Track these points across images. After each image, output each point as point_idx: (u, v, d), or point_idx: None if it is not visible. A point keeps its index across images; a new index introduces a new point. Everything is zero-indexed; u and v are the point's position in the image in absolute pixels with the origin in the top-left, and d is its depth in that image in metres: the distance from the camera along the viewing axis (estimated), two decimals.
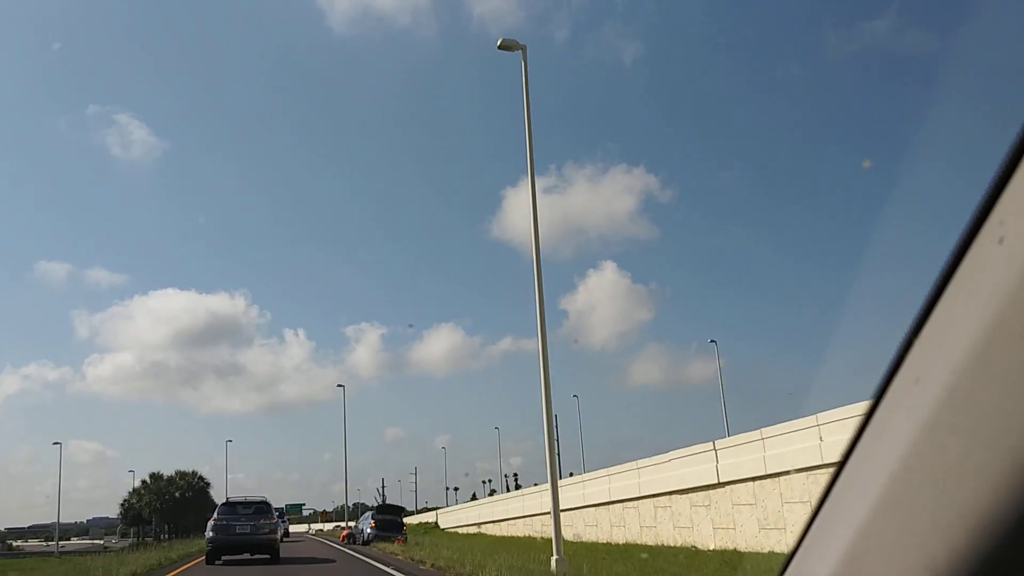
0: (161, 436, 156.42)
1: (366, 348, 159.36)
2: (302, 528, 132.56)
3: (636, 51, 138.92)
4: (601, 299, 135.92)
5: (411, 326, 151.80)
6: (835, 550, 0.87)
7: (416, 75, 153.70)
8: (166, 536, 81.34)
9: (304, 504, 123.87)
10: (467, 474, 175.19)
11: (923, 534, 0.73)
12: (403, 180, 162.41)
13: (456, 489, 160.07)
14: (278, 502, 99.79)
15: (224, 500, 23.07)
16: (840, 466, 0.89)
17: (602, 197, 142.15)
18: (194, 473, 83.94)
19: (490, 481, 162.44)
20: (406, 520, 66.96)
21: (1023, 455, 0.62)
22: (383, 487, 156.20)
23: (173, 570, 20.46)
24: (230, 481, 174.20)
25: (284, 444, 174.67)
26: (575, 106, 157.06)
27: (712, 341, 55.33)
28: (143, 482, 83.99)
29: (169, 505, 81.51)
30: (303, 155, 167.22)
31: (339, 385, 46.80)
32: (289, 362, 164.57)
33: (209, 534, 20.59)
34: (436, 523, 52.09)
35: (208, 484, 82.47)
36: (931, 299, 0.73)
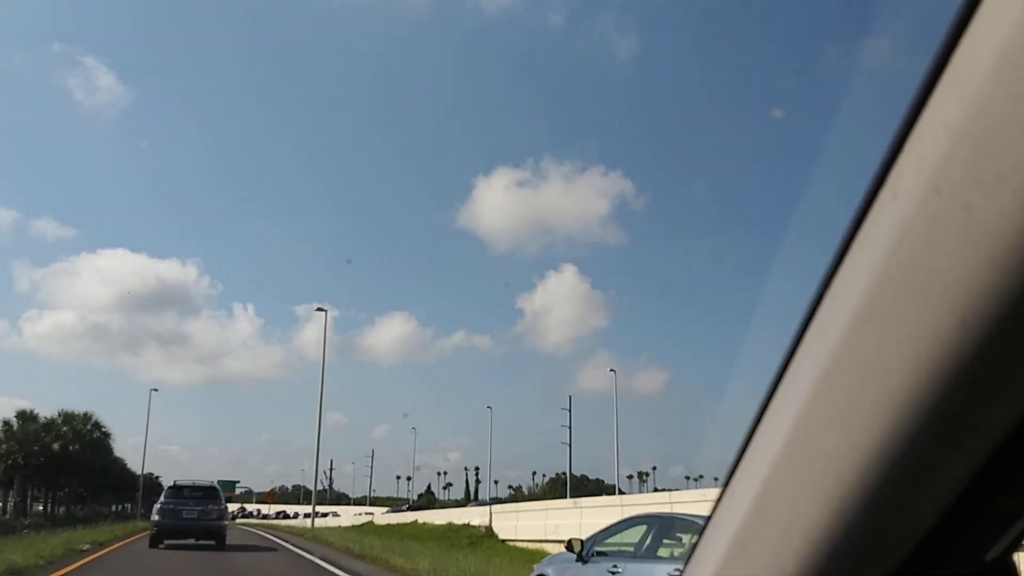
0: (96, 400, 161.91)
1: (316, 329, 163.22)
2: (232, 507, 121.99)
3: (631, 47, 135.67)
4: (558, 301, 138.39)
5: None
6: (715, 558, 0.92)
7: (396, 49, 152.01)
8: (43, 507, 62.16)
9: (238, 482, 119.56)
10: (418, 468, 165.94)
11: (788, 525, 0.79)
12: (371, 161, 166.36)
13: (409, 479, 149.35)
14: (210, 478, 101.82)
15: (172, 483, 22.69)
16: (732, 468, 0.93)
17: (575, 197, 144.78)
18: (86, 417, 58.29)
19: (446, 474, 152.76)
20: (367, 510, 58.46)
21: (908, 404, 0.65)
22: (331, 470, 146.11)
23: None
24: (161, 454, 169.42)
25: (222, 420, 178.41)
26: (562, 96, 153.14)
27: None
28: (3, 423, 54.59)
29: (42, 461, 53.40)
30: (272, 127, 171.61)
31: (319, 309, 42.70)
32: (236, 337, 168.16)
33: (155, 517, 20.41)
34: (488, 528, 31.54)
35: (107, 435, 60.44)
36: (834, 263, 0.75)
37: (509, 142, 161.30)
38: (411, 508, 65.54)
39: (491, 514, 31.32)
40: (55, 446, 52.13)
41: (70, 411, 55.31)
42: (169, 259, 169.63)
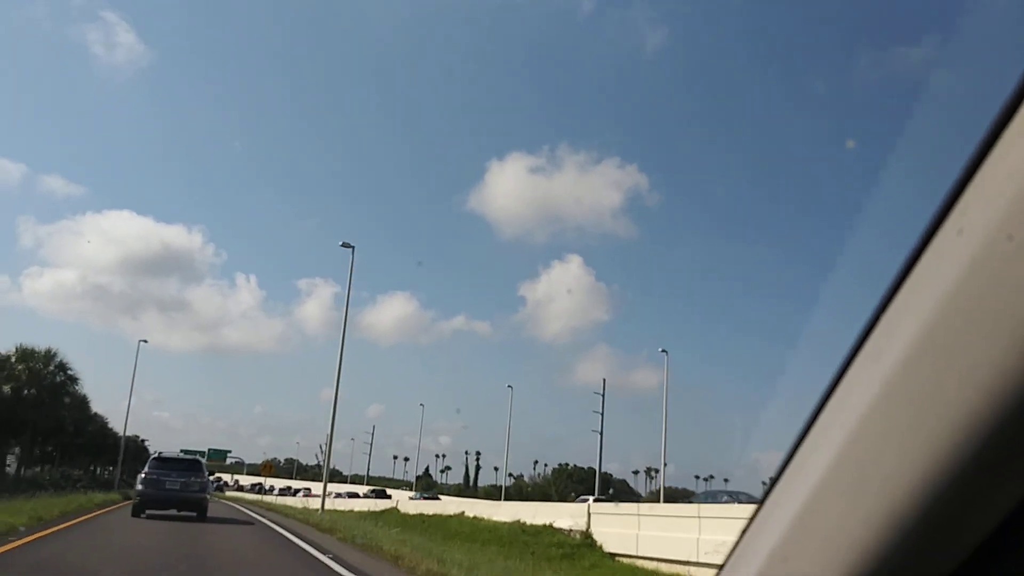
0: (92, 362, 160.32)
1: (317, 304, 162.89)
2: (224, 478, 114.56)
3: (660, 40, 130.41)
4: (561, 291, 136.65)
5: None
6: (753, 568, 0.94)
7: (416, 27, 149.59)
8: None
9: (230, 452, 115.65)
10: (407, 459, 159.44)
11: (848, 530, 0.80)
12: (384, 140, 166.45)
13: (407, 460, 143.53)
14: (201, 447, 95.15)
15: (156, 454, 23.60)
16: (773, 481, 0.94)
17: (589, 188, 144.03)
18: (49, 355, 43.58)
19: (444, 456, 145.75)
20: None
21: (966, 443, 0.68)
22: (330, 445, 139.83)
23: None
24: (154, 419, 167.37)
25: (217, 390, 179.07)
26: (585, 85, 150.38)
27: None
28: None
29: None
30: (286, 102, 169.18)
31: (345, 245, 33.47)
32: (237, 307, 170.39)
33: (138, 487, 21.14)
34: (585, 534, 20.83)
35: (73, 379, 45.72)
36: (891, 290, 0.78)
37: (526, 127, 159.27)
38: (430, 495, 57.18)
39: (589, 515, 22.29)
40: (7, 388, 39.95)
41: (29, 347, 43.34)
42: (175, 224, 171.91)
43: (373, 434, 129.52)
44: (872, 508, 0.76)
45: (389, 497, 65.22)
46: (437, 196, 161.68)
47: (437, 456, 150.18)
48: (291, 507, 38.32)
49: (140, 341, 58.27)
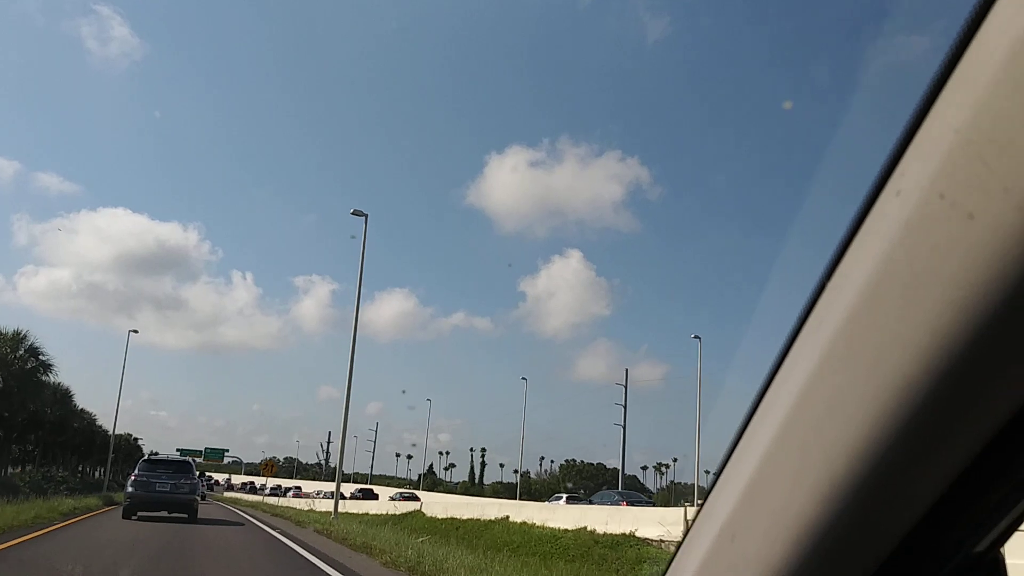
0: (88, 361, 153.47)
1: (314, 301, 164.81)
2: (218, 477, 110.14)
3: (661, 30, 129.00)
4: (562, 286, 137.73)
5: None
6: (704, 548, 0.94)
7: (413, 19, 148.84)
8: None
9: (227, 451, 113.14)
10: (414, 444, 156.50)
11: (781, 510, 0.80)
12: (383, 134, 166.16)
13: (410, 457, 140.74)
14: (198, 446, 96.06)
15: (146, 456, 25.56)
16: (724, 460, 0.94)
17: (590, 181, 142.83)
18: (18, 338, 37.39)
19: (448, 454, 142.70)
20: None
21: (904, 400, 0.67)
22: (328, 443, 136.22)
23: None
24: (151, 419, 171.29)
25: (214, 388, 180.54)
26: (586, 76, 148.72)
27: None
28: None
29: None
30: (282, 96, 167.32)
31: (356, 213, 28.44)
32: (233, 305, 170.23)
33: (128, 489, 21.31)
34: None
35: (47, 366, 39.18)
36: (835, 257, 0.77)
37: (525, 120, 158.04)
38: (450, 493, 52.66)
39: (690, 521, 17.39)
40: None
41: None
42: (170, 222, 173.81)
43: (376, 431, 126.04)
44: (815, 480, 0.75)
45: (376, 497, 63.56)
46: (436, 190, 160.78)
47: (441, 453, 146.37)
48: (296, 510, 33.47)
49: (130, 332, 52.64)
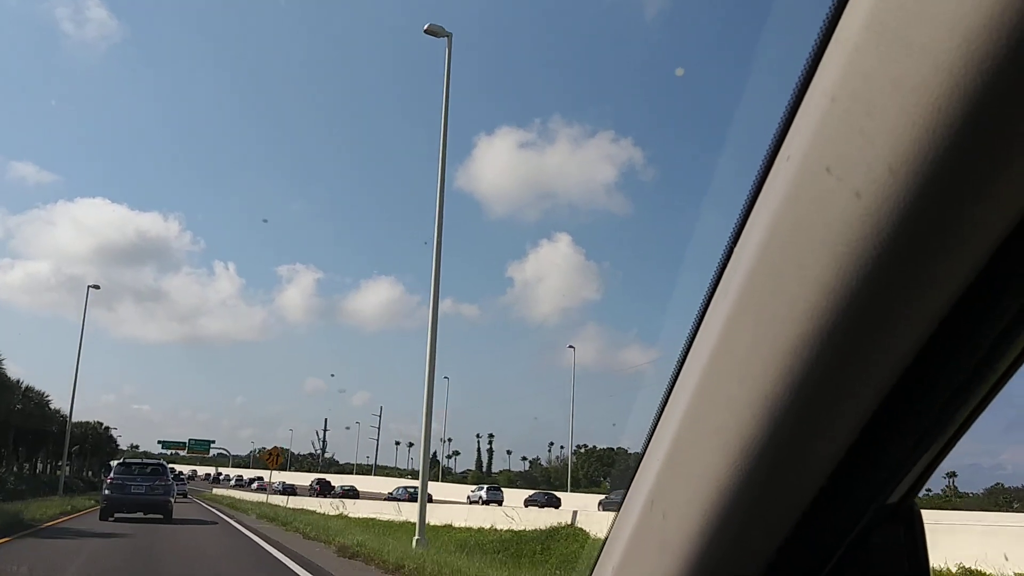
0: (68, 356, 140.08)
1: (298, 291, 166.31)
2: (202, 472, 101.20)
3: (659, 5, 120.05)
4: (551, 271, 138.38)
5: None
6: (632, 517, 0.96)
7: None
8: None
9: (213, 442, 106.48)
10: (411, 444, 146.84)
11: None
12: (370, 114, 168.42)
13: (411, 445, 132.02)
14: (181, 437, 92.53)
15: (121, 460, 26.54)
16: (646, 442, 0.97)
17: (582, 162, 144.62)
18: None
19: (451, 440, 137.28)
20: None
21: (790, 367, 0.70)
22: (325, 431, 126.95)
23: None
24: (134, 413, 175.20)
25: (197, 381, 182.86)
26: (580, 54, 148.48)
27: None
28: None
29: None
30: (265, 75, 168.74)
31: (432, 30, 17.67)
32: (215, 296, 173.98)
33: (105, 492, 22.46)
34: None
35: None
36: (738, 225, 0.79)
37: (516, 100, 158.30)
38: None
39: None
40: None
41: None
42: (151, 212, 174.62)
43: (381, 417, 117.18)
44: (727, 441, 0.77)
45: (332, 488, 60.88)
46: (424, 174, 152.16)
47: (443, 440, 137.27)
48: (321, 517, 22.16)
49: (90, 287, 42.03)
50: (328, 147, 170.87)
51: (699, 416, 0.82)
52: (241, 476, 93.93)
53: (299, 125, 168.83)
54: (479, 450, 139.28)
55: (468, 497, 56.74)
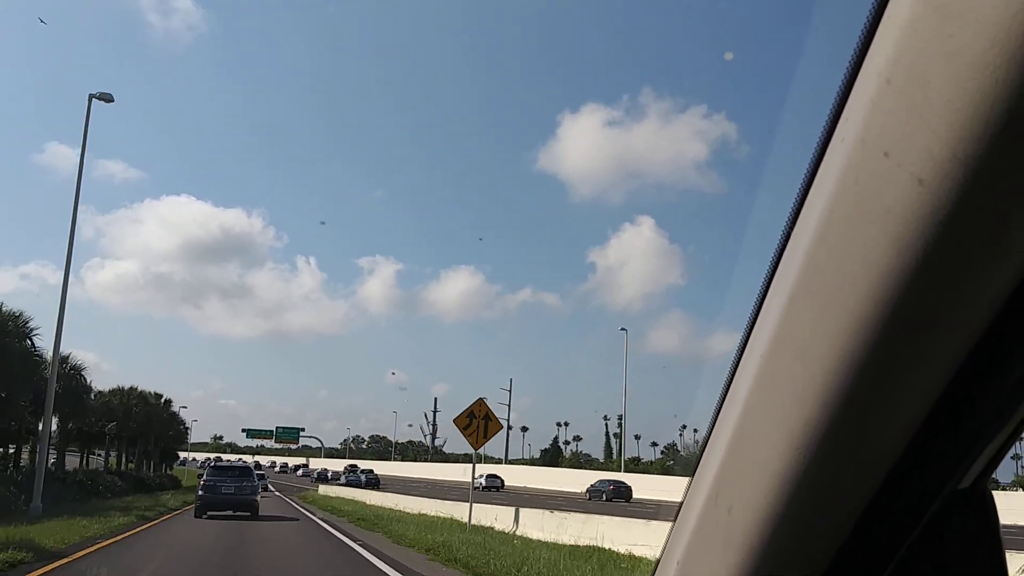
0: (159, 353, 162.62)
1: (379, 283, 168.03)
2: (297, 462, 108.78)
3: None
4: (633, 256, 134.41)
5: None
6: (698, 504, 0.95)
7: None
8: None
9: (303, 429, 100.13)
10: (525, 429, 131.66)
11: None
12: (451, 96, 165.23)
13: (524, 430, 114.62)
14: (268, 425, 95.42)
15: (212, 463, 28.57)
16: (711, 426, 0.96)
17: (672, 139, 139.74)
18: None
19: (528, 429, 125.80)
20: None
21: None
22: (435, 412, 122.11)
23: None
24: (221, 408, 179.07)
25: (282, 375, 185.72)
26: (671, 25, 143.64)
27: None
28: None
29: None
30: (352, 54, 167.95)
31: None
32: (299, 290, 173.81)
33: (199, 492, 24.61)
34: None
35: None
36: (796, 206, 0.78)
37: (602, 76, 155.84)
38: None
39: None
40: None
41: None
42: (235, 208, 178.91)
43: (511, 388, 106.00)
44: (791, 427, 0.76)
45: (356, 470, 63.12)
46: (506, 155, 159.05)
47: (523, 429, 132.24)
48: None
49: (91, 96, 25.25)
50: (407, 136, 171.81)
51: (762, 404, 0.81)
52: (326, 470, 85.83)
53: (378, 114, 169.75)
54: (607, 434, 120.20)
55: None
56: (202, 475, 26.08)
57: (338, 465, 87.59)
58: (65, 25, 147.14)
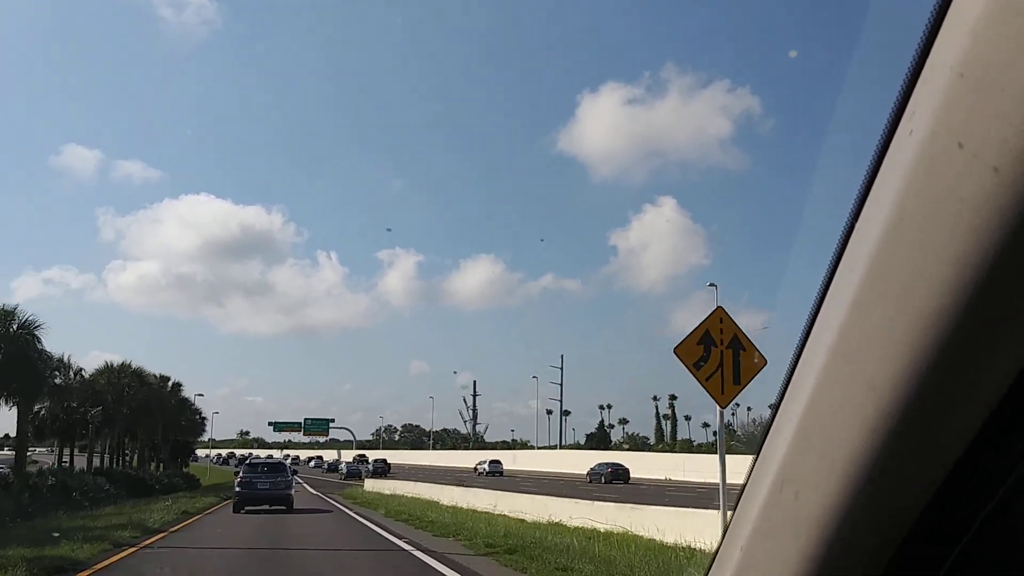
0: (184, 352, 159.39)
1: (399, 275, 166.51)
2: (335, 457, 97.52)
3: None
4: (655, 238, 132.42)
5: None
6: (763, 487, 0.95)
7: None
8: None
9: (332, 420, 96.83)
10: (567, 412, 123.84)
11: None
12: (468, 83, 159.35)
13: (566, 414, 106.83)
14: (297, 417, 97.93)
15: (247, 460, 31.19)
16: (774, 412, 0.96)
17: (694, 115, 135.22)
18: None
19: (610, 407, 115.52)
20: None
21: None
22: (474, 396, 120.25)
23: None
24: (247, 405, 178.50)
25: (307, 371, 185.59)
26: None
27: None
28: None
29: None
30: (368, 46, 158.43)
31: None
32: (320, 285, 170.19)
33: (236, 489, 25.46)
34: None
35: None
36: (860, 196, 0.79)
37: (623, 52, 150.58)
38: None
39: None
40: None
41: None
42: (254, 205, 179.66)
43: (562, 366, 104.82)
44: (862, 410, 0.77)
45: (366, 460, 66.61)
46: (525, 140, 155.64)
47: (563, 413, 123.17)
48: None
49: None
50: (424, 125, 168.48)
51: (832, 391, 0.81)
52: (364, 456, 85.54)
53: (396, 103, 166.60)
54: (657, 416, 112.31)
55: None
56: (238, 472, 27.71)
57: (371, 456, 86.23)
58: (76, 23, 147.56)
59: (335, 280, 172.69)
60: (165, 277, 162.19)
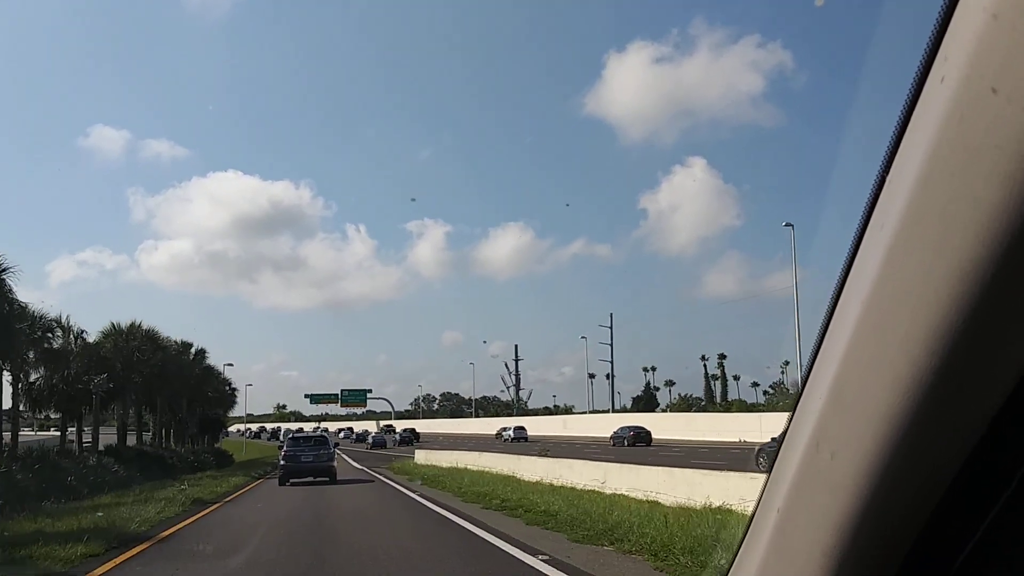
0: (219, 329, 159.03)
1: (429, 246, 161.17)
2: (365, 428, 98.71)
3: None
4: (685, 199, 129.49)
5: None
6: (800, 445, 0.95)
7: None
8: None
9: (370, 391, 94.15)
10: (609, 376, 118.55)
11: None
12: (494, 48, 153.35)
13: (609, 377, 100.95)
14: (334, 389, 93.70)
15: (291, 435, 31.36)
16: (807, 370, 0.96)
17: (724, 72, 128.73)
18: None
19: (654, 369, 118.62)
20: None
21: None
22: (516, 360, 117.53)
23: None
24: (283, 380, 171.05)
25: (340, 344, 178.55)
26: None
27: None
28: None
29: None
30: (395, 13, 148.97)
31: None
32: (351, 259, 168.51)
33: (281, 462, 26.52)
34: None
35: None
36: (892, 146, 0.77)
37: (649, 9, 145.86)
38: None
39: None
40: None
41: None
42: (282, 180, 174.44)
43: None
44: (896, 369, 0.76)
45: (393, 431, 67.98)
46: (552, 103, 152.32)
47: (608, 376, 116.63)
48: None
49: None
50: (451, 92, 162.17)
51: (865, 349, 0.80)
52: (392, 427, 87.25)
53: (423, 70, 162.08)
54: (706, 375, 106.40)
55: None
56: (282, 446, 28.91)
57: (399, 426, 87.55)
58: (99, 2, 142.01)
59: (365, 253, 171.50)
60: (197, 255, 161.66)
